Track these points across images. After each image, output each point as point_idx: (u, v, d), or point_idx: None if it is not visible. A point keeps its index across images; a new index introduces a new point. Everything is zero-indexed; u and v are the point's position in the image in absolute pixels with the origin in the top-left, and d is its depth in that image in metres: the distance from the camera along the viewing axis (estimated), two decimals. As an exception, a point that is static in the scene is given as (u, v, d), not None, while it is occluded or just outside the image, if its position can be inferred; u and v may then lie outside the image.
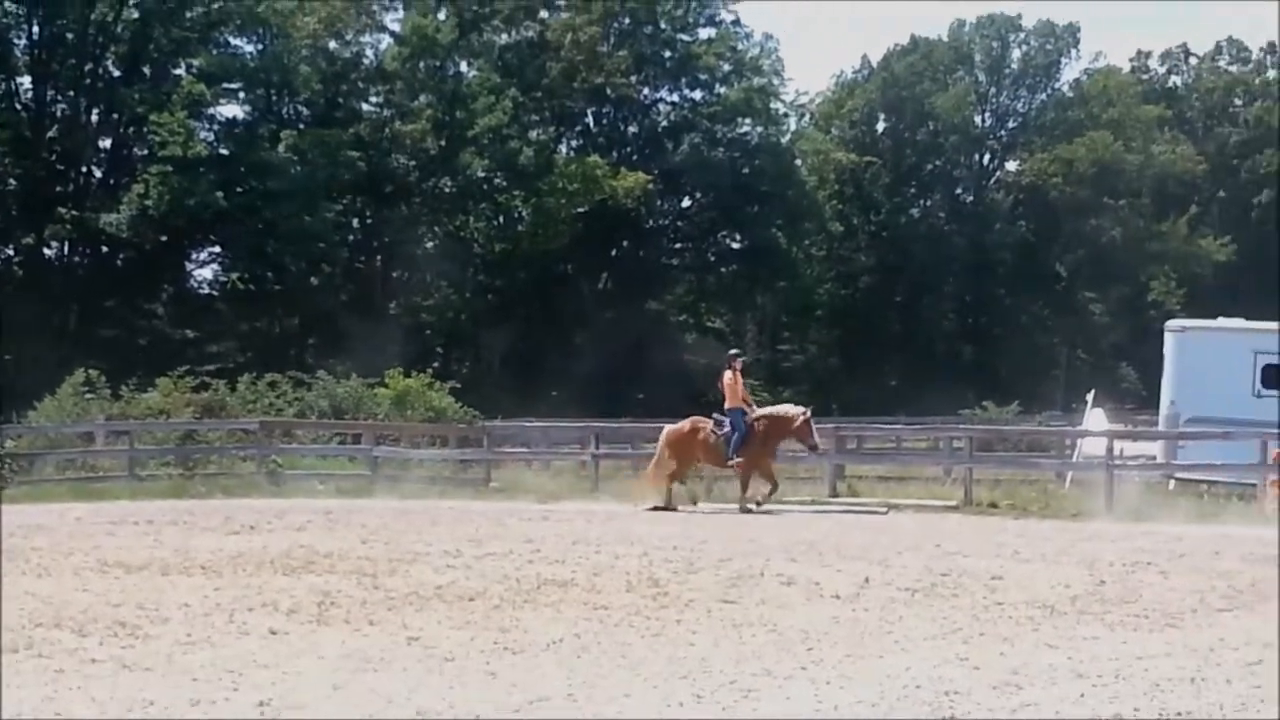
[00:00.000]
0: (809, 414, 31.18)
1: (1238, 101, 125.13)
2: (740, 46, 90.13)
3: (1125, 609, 17.00)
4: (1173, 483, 34.71)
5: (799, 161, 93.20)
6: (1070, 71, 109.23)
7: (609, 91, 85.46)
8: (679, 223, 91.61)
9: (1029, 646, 14.63)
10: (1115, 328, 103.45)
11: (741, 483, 30.76)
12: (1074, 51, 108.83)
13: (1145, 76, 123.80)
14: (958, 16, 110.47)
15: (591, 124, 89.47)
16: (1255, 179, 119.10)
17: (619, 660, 13.79)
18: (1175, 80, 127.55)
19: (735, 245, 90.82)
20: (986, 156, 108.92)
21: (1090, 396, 41.08)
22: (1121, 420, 46.71)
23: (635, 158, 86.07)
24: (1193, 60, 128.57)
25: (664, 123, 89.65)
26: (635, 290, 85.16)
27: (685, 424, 31.57)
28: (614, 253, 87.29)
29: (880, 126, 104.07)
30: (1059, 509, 30.77)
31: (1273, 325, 37.91)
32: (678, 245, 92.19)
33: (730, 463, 30.76)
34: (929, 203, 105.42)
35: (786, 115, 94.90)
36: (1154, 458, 35.56)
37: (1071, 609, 17.01)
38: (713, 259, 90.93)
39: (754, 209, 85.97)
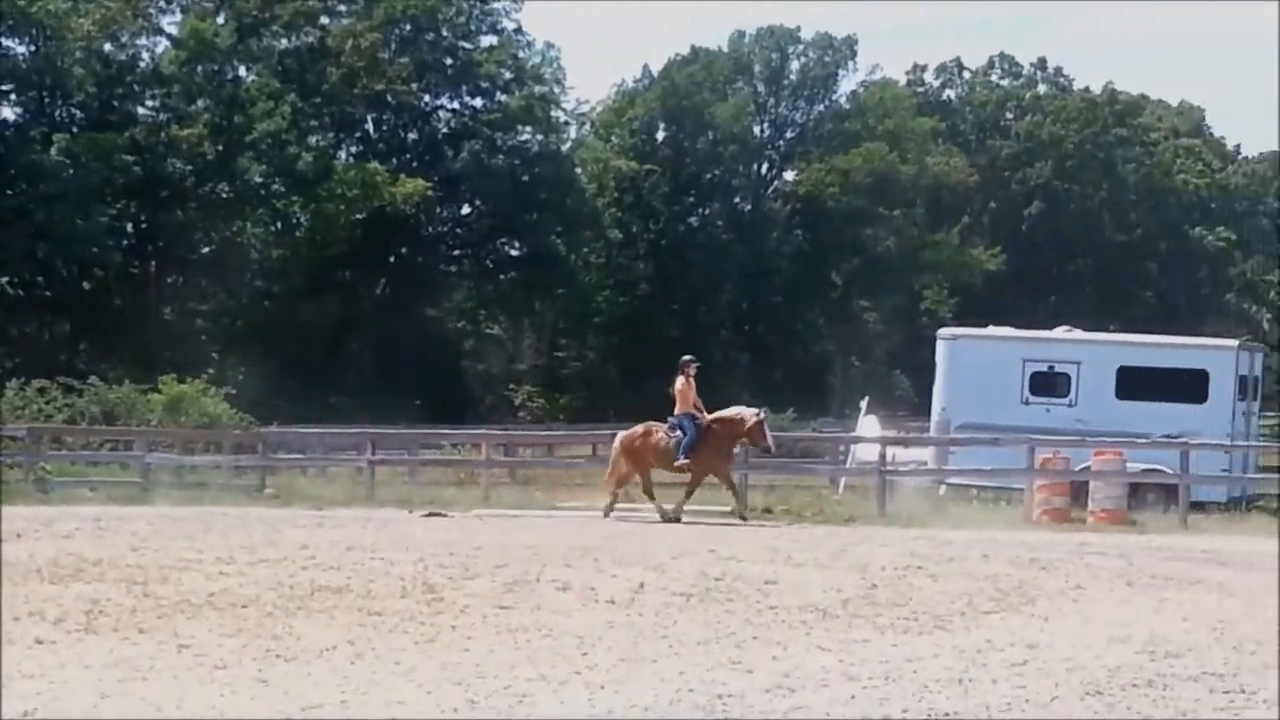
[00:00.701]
0: (762, 416, 31.19)
1: (1009, 115, 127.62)
2: (522, 54, 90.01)
3: (896, 612, 17.24)
4: (943, 488, 35.26)
5: (579, 169, 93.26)
6: (848, 83, 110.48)
7: (389, 98, 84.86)
8: (458, 230, 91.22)
9: (801, 650, 14.78)
10: (889, 335, 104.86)
11: (689, 487, 30.72)
12: (851, 64, 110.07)
13: (920, 89, 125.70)
14: (738, 28, 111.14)
15: (371, 130, 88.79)
16: (1025, 191, 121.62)
17: (392, 667, 13.70)
18: (949, 93, 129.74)
19: (514, 252, 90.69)
20: (765, 166, 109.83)
21: (864, 403, 41.64)
22: (894, 427, 47.33)
23: (415, 164, 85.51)
24: (966, 74, 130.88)
25: (444, 129, 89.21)
26: (414, 297, 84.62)
27: (639, 428, 31.46)
28: (392, 259, 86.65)
29: (660, 135, 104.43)
30: (832, 514, 31.18)
31: (1041, 334, 38.72)
32: (457, 252, 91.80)
33: (677, 463, 30.53)
34: (707, 211, 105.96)
35: (567, 123, 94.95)
36: (925, 464, 36.08)
37: (844, 612, 17.21)
38: (491, 266, 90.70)
39: (533, 216, 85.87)
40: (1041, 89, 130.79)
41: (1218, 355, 35.76)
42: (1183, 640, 15.60)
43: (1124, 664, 14.17)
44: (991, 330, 39.16)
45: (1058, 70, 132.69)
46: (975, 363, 35.90)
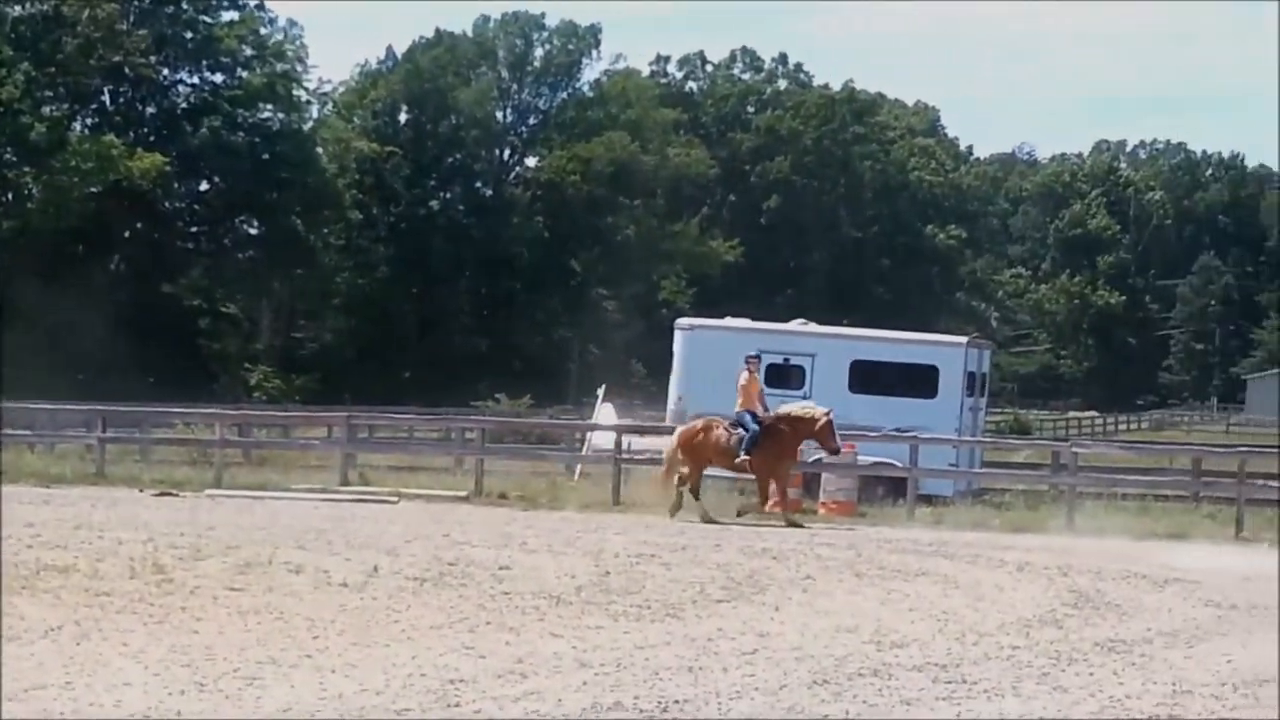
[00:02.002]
0: (831, 415, 29.30)
1: (750, 109, 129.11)
2: (263, 31, 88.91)
3: (629, 599, 17.36)
4: (678, 477, 35.44)
5: (320, 149, 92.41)
6: (591, 72, 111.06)
7: (127, 70, 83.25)
8: (196, 206, 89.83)
9: (534, 636, 14.81)
10: (627, 324, 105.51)
11: (760, 486, 29.39)
12: (595, 52, 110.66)
13: (664, 80, 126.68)
14: (483, 12, 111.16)
15: (108, 102, 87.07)
16: (765, 184, 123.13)
17: (120, 648, 13.48)
18: (692, 85, 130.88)
19: (253, 231, 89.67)
20: (507, 152, 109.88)
21: (601, 391, 41.68)
22: (631, 415, 47.54)
23: (153, 139, 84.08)
24: (709, 67, 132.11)
25: (183, 104, 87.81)
26: (149, 273, 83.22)
27: (698, 423, 30.06)
28: (128, 234, 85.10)
29: (403, 118, 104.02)
30: (568, 501, 31.18)
31: (777, 326, 39.08)
32: (194, 229, 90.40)
33: (738, 461, 29.31)
34: (449, 195, 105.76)
35: (309, 102, 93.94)
36: (661, 452, 36.24)
37: (577, 599, 17.29)
38: (229, 244, 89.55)
39: (273, 195, 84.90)
40: (782, 84, 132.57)
41: (947, 351, 36.38)
42: (908, 631, 15.91)
43: (851, 653, 14.42)
44: (728, 321, 39.43)
45: (798, 66, 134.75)
46: (711, 353, 36.05)
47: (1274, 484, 33.88)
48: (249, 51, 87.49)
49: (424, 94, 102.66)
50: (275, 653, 13.48)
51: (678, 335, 37.33)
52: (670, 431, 35.86)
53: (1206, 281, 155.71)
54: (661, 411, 39.22)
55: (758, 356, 30.89)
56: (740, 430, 29.16)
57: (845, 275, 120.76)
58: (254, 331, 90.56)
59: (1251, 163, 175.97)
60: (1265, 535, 29.19)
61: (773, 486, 29.40)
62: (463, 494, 31.57)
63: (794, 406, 29.96)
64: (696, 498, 29.28)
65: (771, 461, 29.12)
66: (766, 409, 29.58)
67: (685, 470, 29.43)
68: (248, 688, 12.13)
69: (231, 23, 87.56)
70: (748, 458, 28.93)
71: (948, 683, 13.20)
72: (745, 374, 29.85)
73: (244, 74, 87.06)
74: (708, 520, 28.30)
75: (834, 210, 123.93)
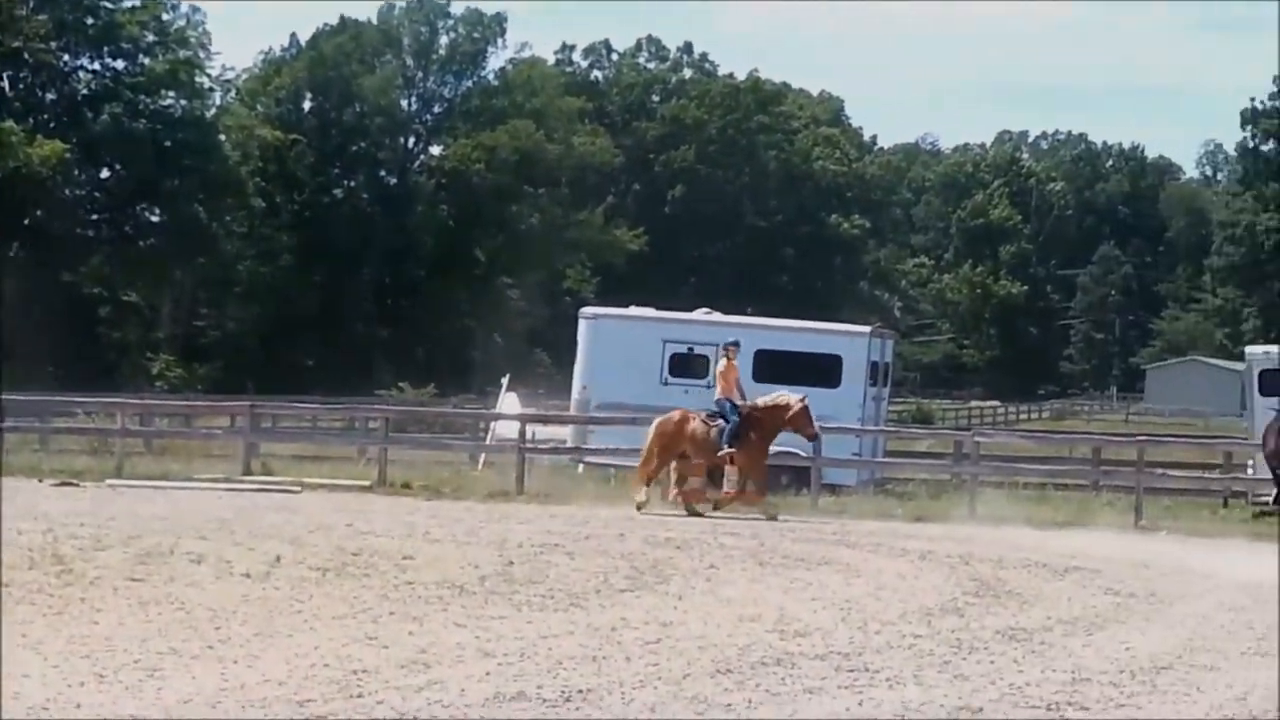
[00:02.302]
0: (806, 401, 29.24)
1: (655, 98, 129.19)
2: (166, 17, 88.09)
3: (532, 589, 17.37)
4: (582, 466, 35.50)
5: (223, 137, 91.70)
6: (496, 60, 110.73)
7: (26, 56, 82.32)
8: (97, 194, 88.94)
9: (437, 625, 14.80)
10: (532, 313, 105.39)
11: (740, 477, 29.07)
12: (500, 40, 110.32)
13: (569, 69, 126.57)
14: (387, 0, 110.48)
15: (7, 89, 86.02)
16: (669, 173, 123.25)
17: (18, 640, 13.35)
18: (597, 74, 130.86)
19: (154, 219, 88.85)
20: (411, 140, 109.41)
21: (505, 380, 41.64)
22: (535, 404, 47.51)
23: (53, 126, 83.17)
24: (614, 56, 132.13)
25: (84, 91, 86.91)
26: (49, 261, 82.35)
27: (674, 414, 29.58)
28: (27, 222, 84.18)
29: (307, 105, 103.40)
30: (471, 490, 31.17)
31: (681, 315, 39.15)
32: (95, 217, 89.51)
33: (721, 454, 28.86)
34: (353, 184, 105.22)
35: (212, 90, 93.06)
36: (565, 442, 36.28)
37: (480, 589, 17.28)
38: (131, 232, 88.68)
39: (175, 183, 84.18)
40: (687, 73, 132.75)
41: (850, 341, 36.56)
42: (811, 619, 15.99)
43: (754, 642, 14.47)
44: (632, 310, 39.49)
45: (704, 56, 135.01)
46: (616, 342, 36.14)
47: (1173, 473, 34.30)
48: (151, 38, 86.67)
49: (328, 81, 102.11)
50: (176, 643, 13.41)
51: (582, 324, 37.35)
52: (575, 421, 35.99)
53: (1106, 271, 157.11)
54: (566, 400, 39.25)
55: (736, 344, 30.45)
56: (720, 421, 28.83)
57: (749, 264, 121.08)
58: (155, 320, 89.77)
59: (1151, 154, 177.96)
60: (1163, 523, 29.53)
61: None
62: (366, 484, 31.48)
63: (767, 396, 29.67)
64: (647, 483, 29.09)
65: (754, 453, 28.88)
66: (744, 396, 29.37)
67: (660, 463, 29.25)
68: (148, 679, 12.05)
69: (133, 9, 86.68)
70: (731, 450, 28.62)
71: (850, 671, 13.28)
72: (724, 361, 29.67)
73: (146, 60, 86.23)
74: (640, 509, 28.19)
75: (738, 200, 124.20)
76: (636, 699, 11.99)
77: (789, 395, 29.38)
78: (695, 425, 29.02)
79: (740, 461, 28.78)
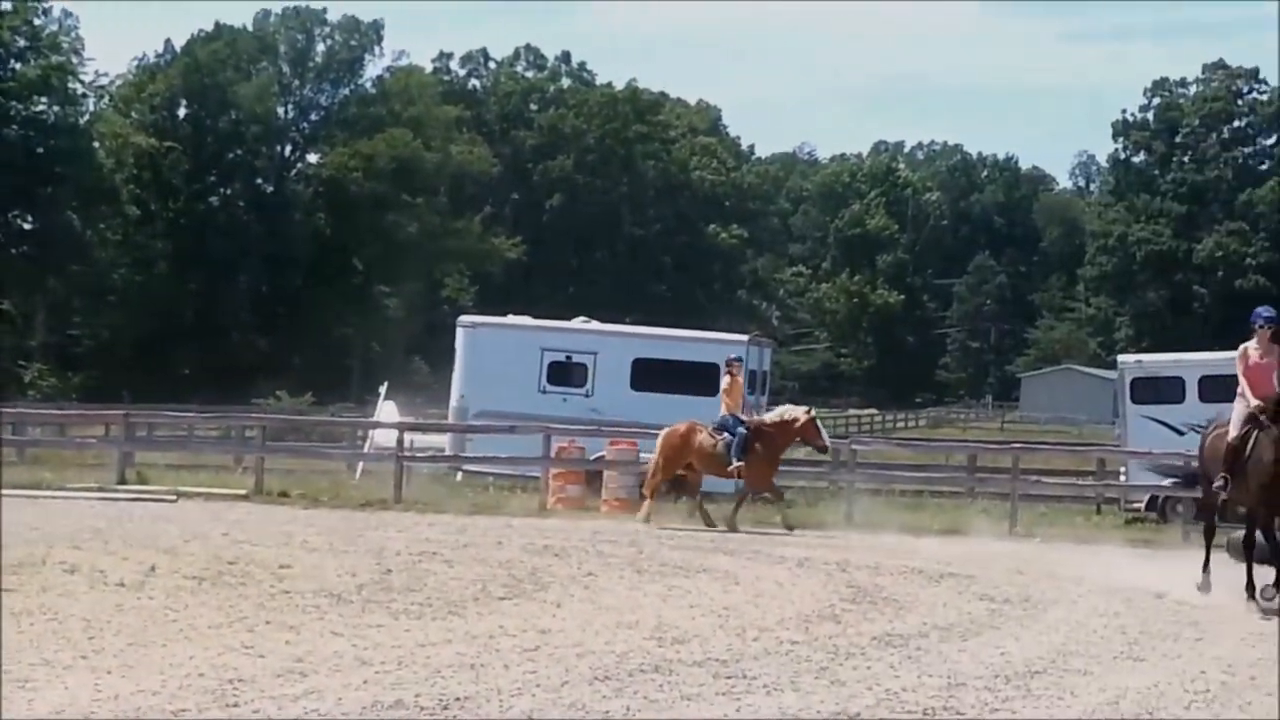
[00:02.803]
0: (813, 412, 28.98)
1: (533, 107, 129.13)
2: (38, 22, 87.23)
3: (410, 597, 17.30)
4: (460, 475, 35.44)
5: (97, 144, 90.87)
6: (373, 68, 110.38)
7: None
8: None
9: (314, 634, 14.70)
10: (410, 322, 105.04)
11: (753, 492, 28.88)
12: (377, 48, 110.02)
13: (446, 77, 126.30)
14: (263, 7, 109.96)
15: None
16: (547, 182, 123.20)
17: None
18: (475, 83, 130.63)
19: (27, 226, 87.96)
20: (288, 148, 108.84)
21: (383, 389, 41.55)
22: (413, 413, 47.38)
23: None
24: (492, 64, 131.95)
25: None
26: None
27: (681, 426, 29.02)
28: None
29: (181, 112, 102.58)
30: (349, 499, 31.02)
31: (560, 324, 39.20)
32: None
33: (730, 468, 28.32)
34: (229, 191, 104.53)
35: (85, 96, 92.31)
36: (443, 450, 36.20)
37: (358, 597, 17.19)
38: (3, 239, 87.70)
39: (48, 190, 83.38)
40: (565, 82, 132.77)
41: (728, 350, 36.68)
42: (689, 626, 16.01)
43: (632, 649, 14.48)
44: (510, 319, 39.53)
45: (582, 65, 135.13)
46: (494, 351, 36.16)
47: (1047, 480, 34.66)
48: (22, 43, 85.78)
49: (203, 88, 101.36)
50: (49, 654, 13.24)
51: (460, 333, 37.33)
52: (453, 429, 35.91)
53: (982, 281, 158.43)
54: (444, 409, 39.18)
55: (739, 359, 30.36)
56: (726, 435, 28.37)
57: (628, 273, 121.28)
58: (28, 328, 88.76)
59: (1025, 165, 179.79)
60: (1038, 529, 29.81)
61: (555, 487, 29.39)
62: (243, 492, 31.25)
63: (774, 411, 29.40)
64: (650, 496, 28.67)
65: (764, 467, 28.44)
66: (750, 412, 29.07)
67: (684, 475, 28.83)
68: (20, 690, 11.89)
69: (4, 13, 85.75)
70: (739, 464, 28.15)
71: (728, 678, 13.30)
72: (727, 378, 29.27)
73: (17, 66, 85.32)
74: (647, 521, 27.80)
75: (616, 209, 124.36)
76: (514, 706, 11.96)
77: (796, 409, 29.07)
78: (702, 438, 28.55)
79: (749, 476, 28.42)
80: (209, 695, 11.89)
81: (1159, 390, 35.69)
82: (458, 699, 12.08)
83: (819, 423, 28.73)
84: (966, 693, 13.12)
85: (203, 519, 25.99)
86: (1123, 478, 34.74)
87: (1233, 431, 19.43)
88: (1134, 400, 35.64)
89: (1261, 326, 19.74)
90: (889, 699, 12.77)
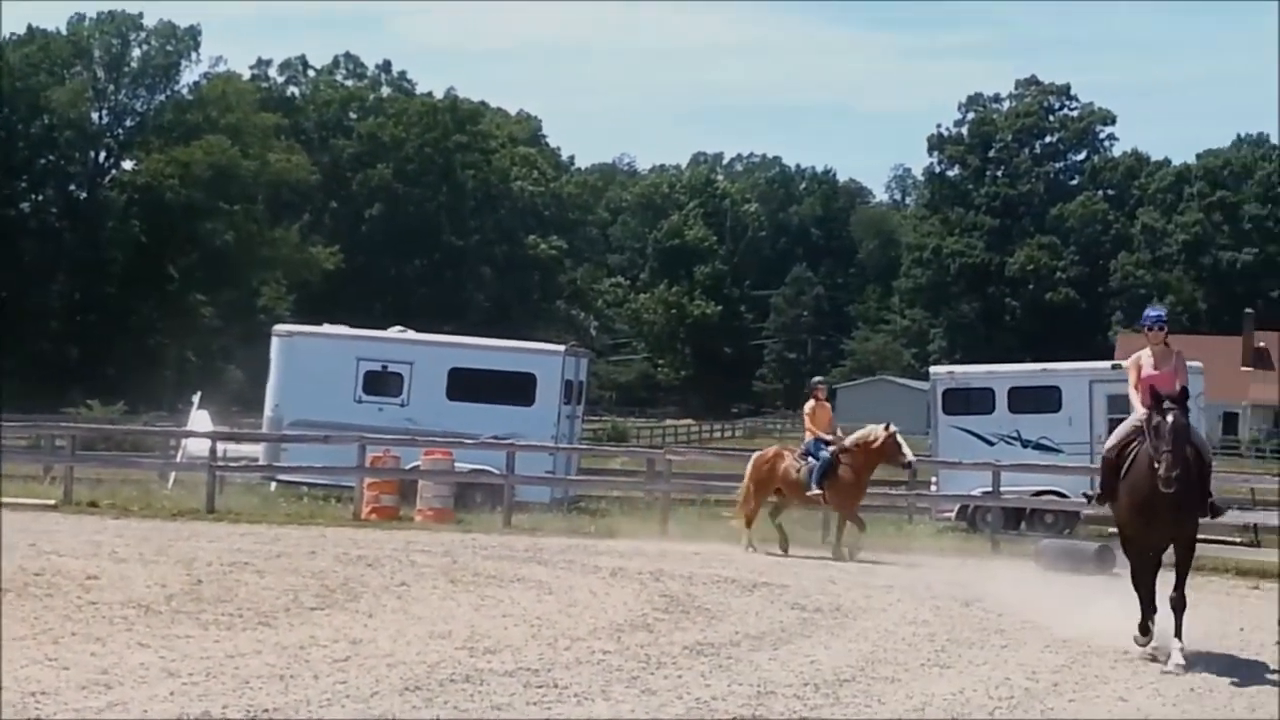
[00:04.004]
0: (893, 428, 27.42)
1: (353, 115, 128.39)
2: None
3: (220, 608, 17.15)
4: (274, 484, 35.19)
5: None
6: (190, 74, 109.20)
7: None
8: None
9: (121, 646, 14.53)
10: (225, 331, 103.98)
11: (839, 520, 27.65)
12: (194, 54, 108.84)
13: (265, 84, 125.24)
14: (77, 10, 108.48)
15: None
16: (366, 191, 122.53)
17: None
18: (294, 90, 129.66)
19: None
20: (102, 154, 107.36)
21: (196, 398, 41.11)
22: (227, 422, 46.93)
23: None
24: (311, 72, 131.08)
25: None
26: None
27: (769, 451, 28.55)
28: None
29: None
30: (160, 509, 30.68)
31: (376, 333, 39.02)
32: None
33: (809, 494, 27.31)
34: (41, 198, 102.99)
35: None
36: (257, 459, 35.92)
37: (167, 608, 17.01)
38: None
39: None
40: (385, 91, 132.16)
41: (545, 360, 36.74)
42: (501, 636, 16.02)
43: (444, 659, 14.46)
44: (327, 328, 39.29)
45: (402, 74, 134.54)
46: (310, 360, 35.93)
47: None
48: None
49: (15, 93, 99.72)
50: None
51: (275, 342, 37.06)
52: (267, 439, 35.62)
53: (799, 292, 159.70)
54: (260, 419, 38.86)
55: (823, 382, 29.63)
56: (810, 460, 27.46)
57: (446, 283, 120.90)
58: None
59: (843, 177, 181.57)
60: (849, 538, 30.05)
61: None
62: (51, 502, 30.77)
63: (856, 434, 27.76)
64: (747, 526, 27.73)
65: (848, 492, 27.37)
66: (836, 436, 27.79)
67: (774, 500, 28.05)
68: None
69: None
70: (820, 491, 27.29)
71: (538, 687, 13.33)
72: (811, 402, 28.29)
73: None
74: (749, 549, 27.04)
75: (436, 218, 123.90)
76: (323, 717, 11.92)
77: (876, 428, 27.69)
78: (787, 463, 27.68)
79: (834, 502, 27.54)
80: (10, 709, 11.71)
81: (970, 401, 36.17)
82: (266, 710, 12.01)
83: (899, 438, 27.32)
84: (776, 700, 13.25)
85: (9, 529, 25.53)
86: (934, 488, 35.17)
87: (1109, 442, 17.32)
88: (945, 411, 36.10)
89: (1152, 328, 17.09)
90: (699, 707, 12.86)
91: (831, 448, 27.38)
